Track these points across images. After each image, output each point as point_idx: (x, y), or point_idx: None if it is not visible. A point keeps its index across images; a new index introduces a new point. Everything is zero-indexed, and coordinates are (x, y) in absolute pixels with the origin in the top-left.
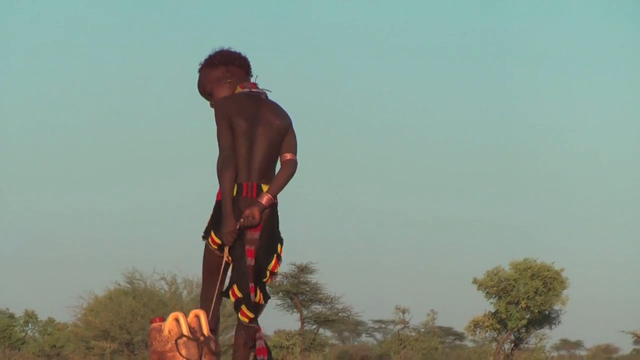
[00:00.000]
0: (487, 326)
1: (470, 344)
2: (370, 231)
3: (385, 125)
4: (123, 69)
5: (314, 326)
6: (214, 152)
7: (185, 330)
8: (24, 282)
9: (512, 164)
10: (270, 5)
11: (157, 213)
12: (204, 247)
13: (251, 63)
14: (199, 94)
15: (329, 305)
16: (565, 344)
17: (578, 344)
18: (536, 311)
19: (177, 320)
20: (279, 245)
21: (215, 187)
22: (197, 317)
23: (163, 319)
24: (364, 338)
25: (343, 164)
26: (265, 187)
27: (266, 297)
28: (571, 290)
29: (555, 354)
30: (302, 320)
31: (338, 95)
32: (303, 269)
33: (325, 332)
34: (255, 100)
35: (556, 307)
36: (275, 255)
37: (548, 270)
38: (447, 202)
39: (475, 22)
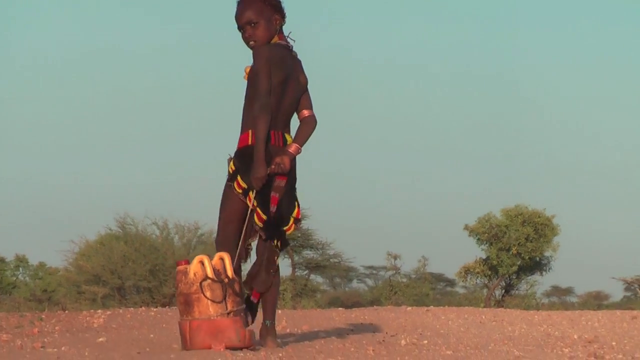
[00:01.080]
0: (478, 272)
1: (461, 290)
2: (362, 176)
3: (374, 67)
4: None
5: (305, 272)
6: (208, 93)
7: (210, 273)
8: (15, 226)
9: (503, 109)
10: None
11: (148, 156)
12: (224, 191)
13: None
14: (235, 17)
15: (321, 251)
16: (556, 290)
17: (569, 291)
18: (527, 258)
19: (202, 263)
20: (297, 207)
21: (228, 133)
22: (222, 259)
23: (188, 262)
24: (355, 284)
25: (328, 108)
26: (288, 137)
27: (284, 244)
28: (562, 237)
29: (546, 300)
30: (294, 266)
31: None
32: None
33: (317, 278)
34: (290, 54)
35: (547, 254)
36: (296, 203)
37: (539, 217)
38: (438, 148)
39: None
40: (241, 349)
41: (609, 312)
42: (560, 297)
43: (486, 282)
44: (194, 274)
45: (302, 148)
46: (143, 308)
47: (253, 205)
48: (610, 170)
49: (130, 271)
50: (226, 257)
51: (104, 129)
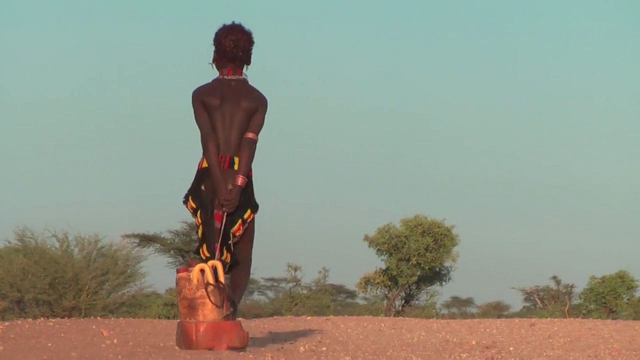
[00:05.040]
0: (378, 283)
1: (362, 302)
2: (261, 188)
3: (281, 86)
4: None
5: None
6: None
7: (211, 280)
8: None
9: (402, 121)
10: None
11: (47, 169)
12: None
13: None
14: None
15: None
16: (456, 301)
17: (469, 302)
18: (427, 268)
19: (202, 271)
20: (249, 211)
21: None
22: (215, 267)
23: (187, 270)
24: (255, 296)
25: None
26: (237, 160)
27: (233, 258)
28: (462, 247)
29: (445, 311)
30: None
31: None
32: (194, 227)
33: None
34: (225, 85)
35: (447, 264)
36: (240, 220)
37: (439, 227)
38: (337, 159)
39: None
40: (239, 349)
41: (507, 320)
42: (460, 308)
43: (386, 293)
44: (197, 280)
45: (250, 169)
46: (42, 319)
47: (199, 222)
48: (508, 181)
49: (29, 284)
50: (219, 265)
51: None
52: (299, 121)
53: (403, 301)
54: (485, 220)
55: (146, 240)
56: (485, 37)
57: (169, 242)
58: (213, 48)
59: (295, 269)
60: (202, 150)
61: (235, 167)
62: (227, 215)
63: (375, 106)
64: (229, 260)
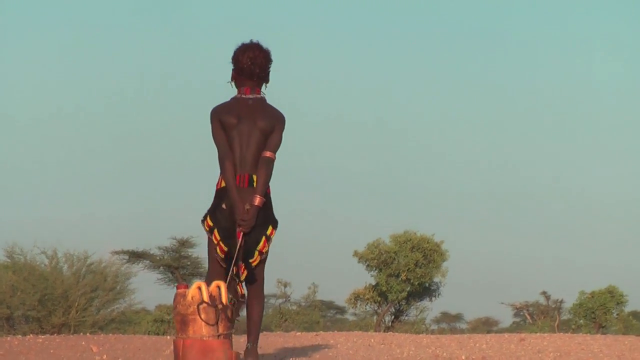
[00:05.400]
0: (367, 299)
1: (351, 318)
2: None
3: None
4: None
5: None
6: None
7: (206, 298)
8: None
9: (391, 137)
10: None
11: (37, 186)
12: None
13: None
14: None
15: None
16: (445, 316)
17: (458, 317)
18: (416, 283)
19: (199, 288)
20: (270, 227)
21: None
22: (218, 287)
23: (187, 286)
24: (245, 312)
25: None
26: (256, 178)
27: (250, 274)
28: (451, 262)
29: (435, 327)
30: None
31: None
32: (184, 243)
33: None
34: (242, 104)
35: (436, 279)
36: (264, 237)
37: (428, 242)
38: (327, 174)
39: None
40: None
41: (497, 335)
42: (449, 324)
43: (376, 309)
44: (192, 297)
45: (268, 186)
46: (31, 335)
47: (216, 240)
48: (498, 196)
49: (19, 301)
50: (222, 285)
51: None
52: (287, 135)
53: (393, 317)
54: (474, 236)
55: (135, 256)
56: (470, 53)
57: (158, 258)
58: (232, 66)
59: (285, 285)
60: (219, 169)
61: (255, 185)
62: (245, 234)
63: (364, 121)
64: (242, 278)
